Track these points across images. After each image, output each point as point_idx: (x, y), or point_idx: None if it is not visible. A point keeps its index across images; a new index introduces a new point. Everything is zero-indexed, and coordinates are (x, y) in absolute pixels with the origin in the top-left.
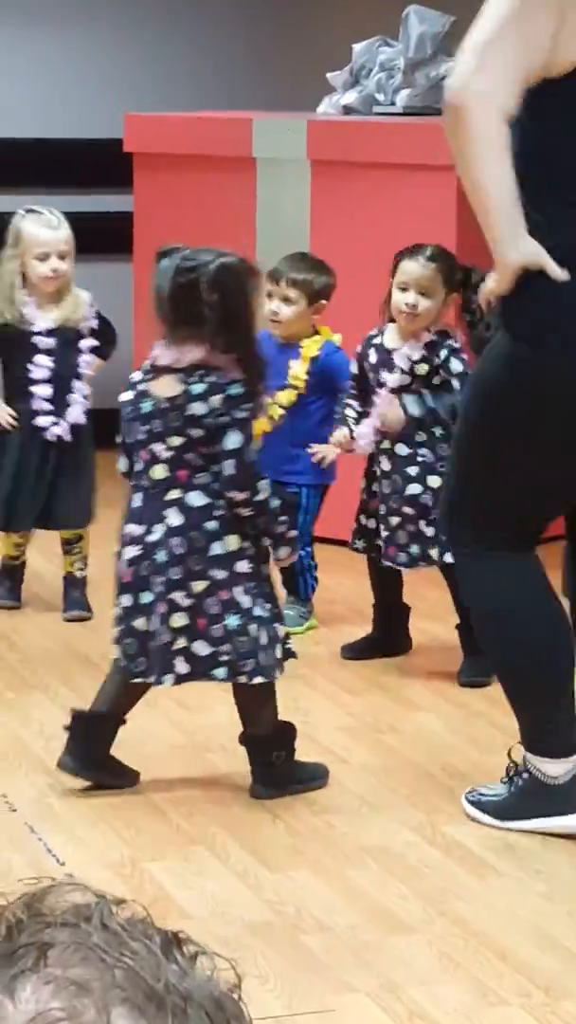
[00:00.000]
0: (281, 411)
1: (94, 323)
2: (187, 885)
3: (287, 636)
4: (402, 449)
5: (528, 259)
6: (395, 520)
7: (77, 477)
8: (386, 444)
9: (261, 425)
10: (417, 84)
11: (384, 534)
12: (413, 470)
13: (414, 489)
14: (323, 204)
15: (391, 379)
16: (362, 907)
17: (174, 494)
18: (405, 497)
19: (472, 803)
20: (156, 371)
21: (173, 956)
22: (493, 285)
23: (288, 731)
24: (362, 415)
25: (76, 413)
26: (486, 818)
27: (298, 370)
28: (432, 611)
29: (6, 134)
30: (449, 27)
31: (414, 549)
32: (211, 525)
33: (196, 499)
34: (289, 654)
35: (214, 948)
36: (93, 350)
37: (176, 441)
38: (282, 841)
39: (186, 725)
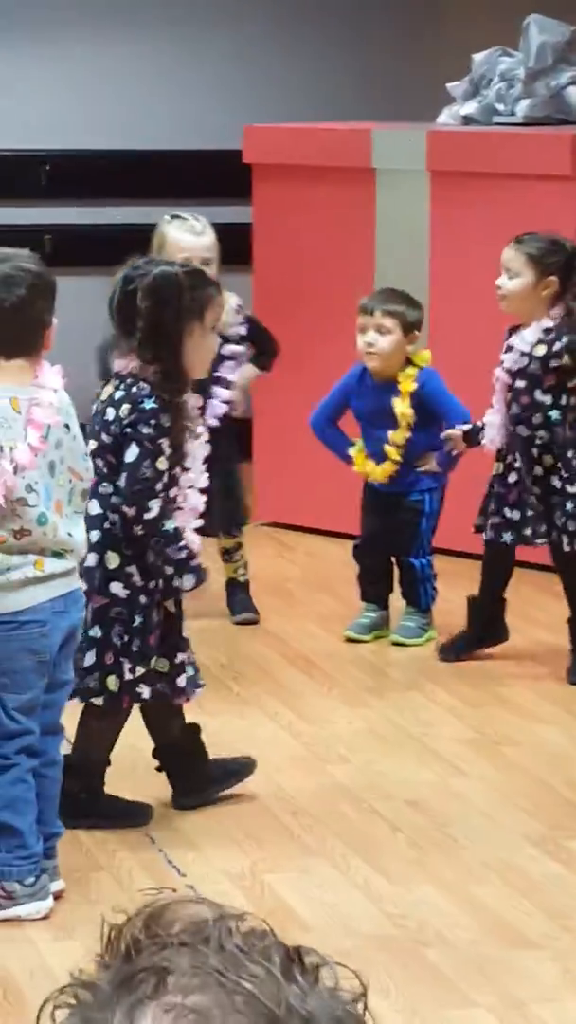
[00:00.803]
0: (398, 451)
1: (242, 329)
2: (307, 897)
3: (157, 674)
4: (523, 431)
5: None
6: (511, 500)
7: (227, 484)
8: (508, 426)
9: (385, 470)
10: (537, 94)
11: (495, 518)
12: (534, 451)
13: (536, 471)
14: (443, 215)
15: (508, 359)
16: (484, 921)
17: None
18: (528, 478)
19: None
20: (112, 377)
21: (293, 976)
22: None
23: (92, 766)
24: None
25: (209, 416)
26: None
27: (403, 408)
28: (553, 622)
29: (128, 146)
30: (570, 36)
31: (529, 531)
32: (95, 536)
33: (93, 507)
34: (179, 691)
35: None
36: (253, 361)
37: (93, 444)
38: (403, 854)
39: (306, 737)
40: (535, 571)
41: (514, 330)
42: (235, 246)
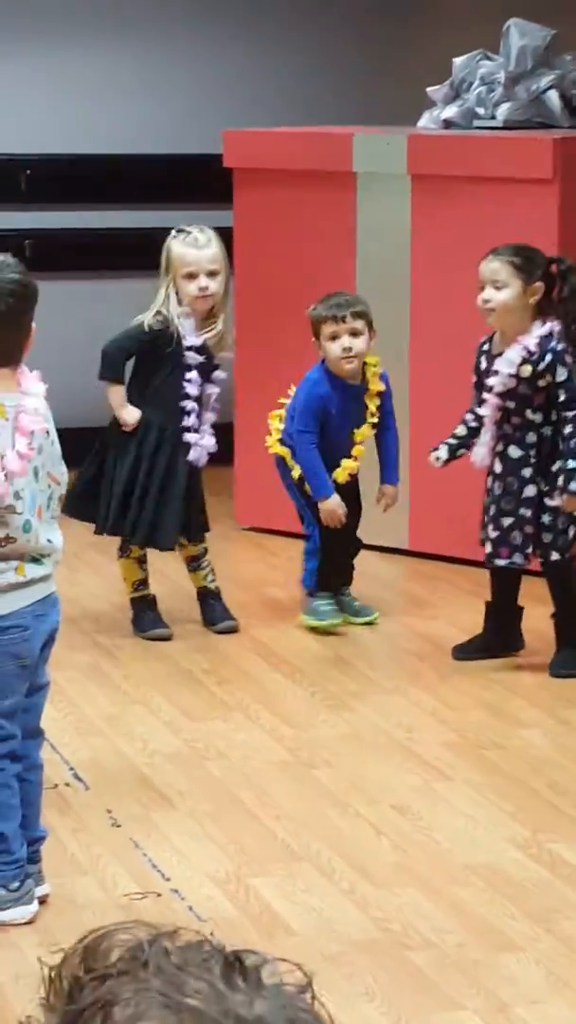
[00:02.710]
0: (362, 448)
1: (229, 353)
2: (292, 901)
3: None
4: (514, 451)
5: None
6: (508, 521)
7: (196, 492)
8: (499, 447)
9: (349, 467)
10: (518, 98)
11: (494, 534)
12: (527, 472)
13: (529, 491)
14: (424, 218)
15: (496, 383)
16: (469, 925)
17: None
18: (521, 499)
19: None
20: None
21: (235, 983)
22: None
23: None
24: (476, 429)
25: (211, 443)
26: None
27: (372, 406)
28: (533, 626)
29: (108, 151)
30: (550, 40)
31: (529, 550)
32: None
33: None
34: None
35: (320, 965)
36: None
37: None
38: (387, 858)
39: (290, 741)
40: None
41: (487, 343)
42: None
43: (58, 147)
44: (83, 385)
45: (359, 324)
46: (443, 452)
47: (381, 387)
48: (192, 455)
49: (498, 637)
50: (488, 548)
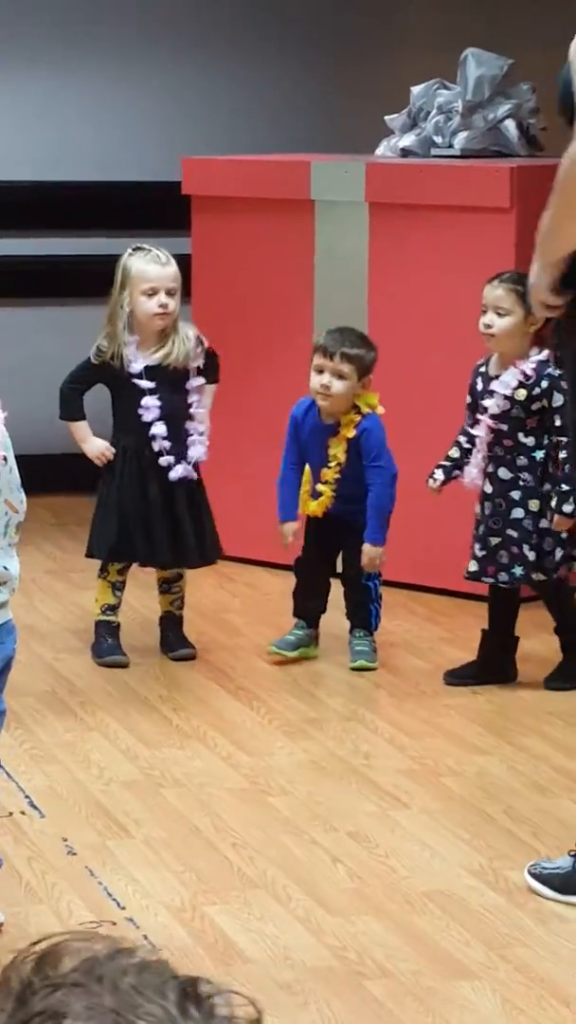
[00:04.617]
0: (331, 488)
1: (202, 361)
2: (248, 929)
3: None
4: (505, 473)
5: None
6: (495, 541)
7: (199, 513)
8: (490, 468)
9: (314, 507)
10: (475, 127)
11: (481, 554)
12: (516, 494)
13: (517, 513)
14: (382, 246)
15: (491, 404)
16: (425, 952)
17: None
18: (509, 520)
19: (534, 876)
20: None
21: (189, 1012)
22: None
23: None
24: (470, 450)
25: (199, 452)
26: (548, 891)
27: (336, 451)
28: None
29: (65, 177)
30: (507, 70)
31: (517, 571)
32: None
33: None
34: None
35: (275, 993)
36: (201, 374)
37: None
38: (343, 885)
39: (247, 768)
40: (475, 601)
41: (484, 365)
42: None
43: (17, 174)
44: (43, 412)
45: (346, 368)
46: (440, 475)
47: (351, 434)
48: (175, 473)
49: (492, 666)
50: (473, 567)
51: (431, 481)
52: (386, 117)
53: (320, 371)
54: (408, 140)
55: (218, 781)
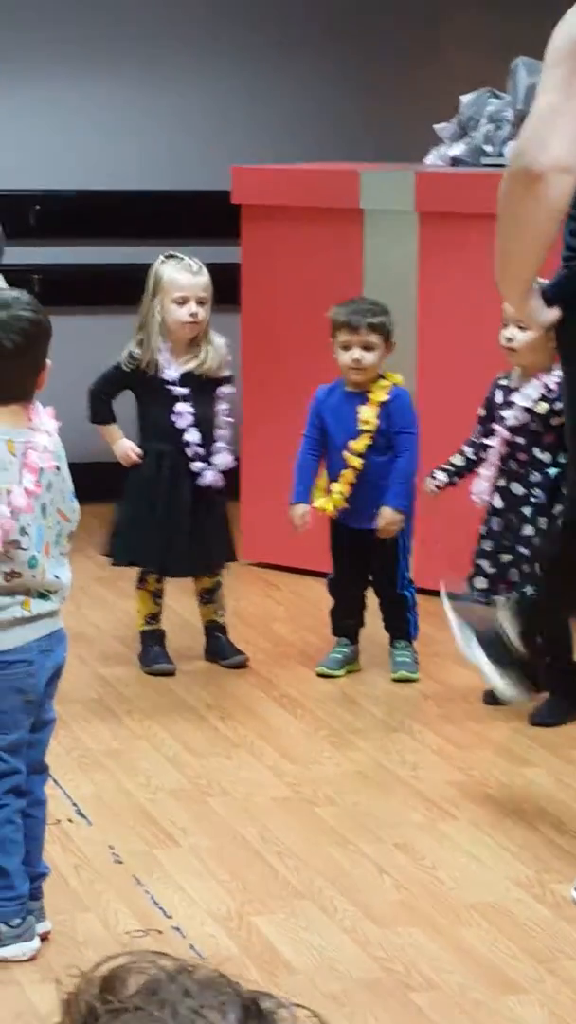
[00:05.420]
0: (359, 461)
1: (229, 370)
2: (294, 939)
3: None
4: (517, 488)
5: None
6: (506, 558)
7: (221, 520)
8: (502, 482)
9: (346, 477)
10: None
11: (491, 570)
12: (527, 511)
13: (527, 530)
14: (431, 255)
15: (510, 416)
16: (471, 965)
17: None
18: (520, 537)
19: None
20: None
21: None
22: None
23: None
24: (475, 462)
25: (226, 460)
26: None
27: (368, 415)
28: None
29: (117, 187)
30: None
31: (529, 591)
32: None
33: None
34: None
35: (321, 1004)
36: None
37: None
38: (390, 896)
39: (293, 778)
40: None
41: (503, 381)
42: (223, 286)
43: (68, 183)
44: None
45: (373, 338)
46: (442, 476)
47: (383, 397)
48: (205, 479)
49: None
50: (482, 583)
51: (430, 481)
52: (436, 126)
53: (347, 347)
54: (458, 149)
55: (264, 790)
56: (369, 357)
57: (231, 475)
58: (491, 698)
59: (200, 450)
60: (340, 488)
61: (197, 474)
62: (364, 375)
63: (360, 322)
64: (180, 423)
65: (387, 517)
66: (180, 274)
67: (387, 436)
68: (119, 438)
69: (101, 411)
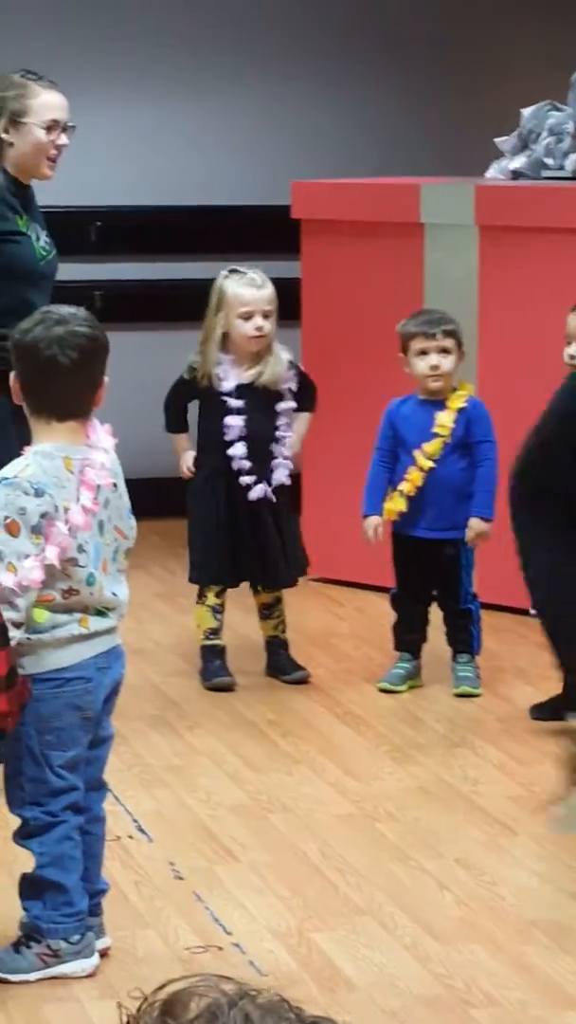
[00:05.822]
0: (430, 463)
1: (294, 384)
2: (354, 956)
3: None
4: None
5: None
6: None
7: (284, 536)
8: None
9: (413, 477)
10: None
11: None
12: None
13: None
14: (491, 269)
15: None
16: (532, 982)
17: None
18: None
19: None
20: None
21: None
22: None
23: None
24: None
25: (281, 475)
26: None
27: (445, 419)
28: None
29: (177, 202)
30: None
31: None
32: None
33: None
34: None
35: (381, 1021)
36: (300, 408)
37: None
38: (450, 912)
39: (354, 794)
40: None
41: None
42: (284, 302)
43: (128, 199)
44: (153, 436)
45: (449, 343)
46: None
47: (461, 404)
48: (255, 494)
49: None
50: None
51: None
52: (496, 139)
53: (423, 353)
54: (518, 162)
55: (325, 806)
56: (447, 362)
57: (291, 490)
58: (538, 712)
59: (245, 464)
60: (405, 488)
61: (246, 488)
62: (442, 382)
63: (435, 329)
64: (228, 435)
65: (476, 528)
66: (244, 289)
67: (462, 445)
68: (184, 449)
69: (171, 420)
